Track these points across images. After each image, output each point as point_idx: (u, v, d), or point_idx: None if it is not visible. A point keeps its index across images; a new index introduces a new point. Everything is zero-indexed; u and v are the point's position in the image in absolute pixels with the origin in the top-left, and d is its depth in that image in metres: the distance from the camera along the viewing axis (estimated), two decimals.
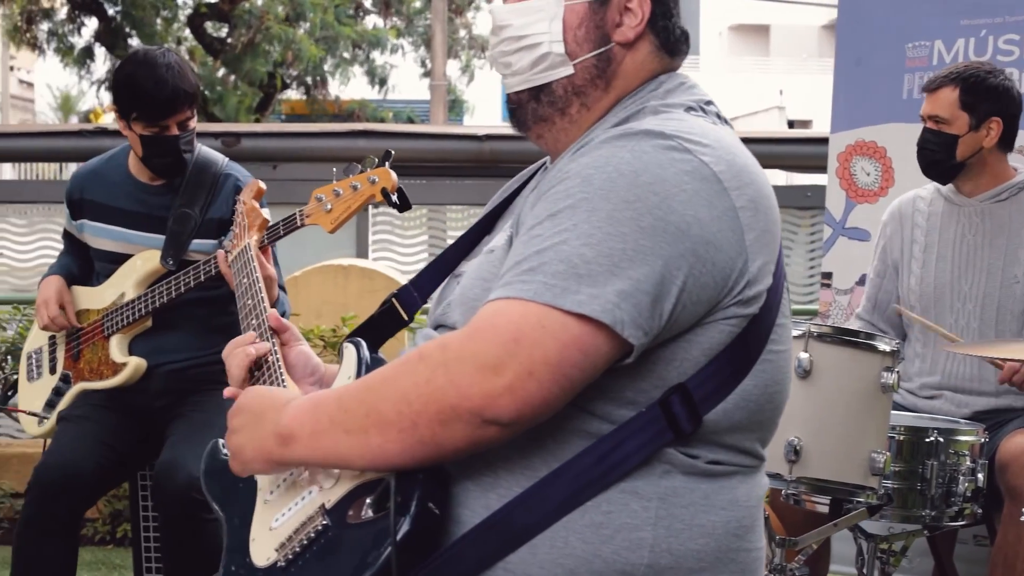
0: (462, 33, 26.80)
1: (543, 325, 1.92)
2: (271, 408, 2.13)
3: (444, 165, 8.49)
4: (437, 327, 2.32)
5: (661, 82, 2.25)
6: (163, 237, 4.19)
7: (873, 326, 4.50)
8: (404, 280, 6.46)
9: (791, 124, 39.80)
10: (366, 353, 2.30)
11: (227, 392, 2.41)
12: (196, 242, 4.17)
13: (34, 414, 4.37)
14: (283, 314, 3.95)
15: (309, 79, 25.24)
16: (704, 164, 2.03)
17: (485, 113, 30.74)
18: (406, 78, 27.25)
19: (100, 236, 4.31)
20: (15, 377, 4.76)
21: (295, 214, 3.63)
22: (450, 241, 8.67)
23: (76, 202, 4.36)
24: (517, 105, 2.29)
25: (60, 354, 4.38)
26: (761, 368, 2.12)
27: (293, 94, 27.00)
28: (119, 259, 4.27)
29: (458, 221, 8.89)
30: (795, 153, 7.49)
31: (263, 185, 3.18)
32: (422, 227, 8.80)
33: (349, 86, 26.19)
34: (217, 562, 4.00)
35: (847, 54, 5.50)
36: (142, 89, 4.07)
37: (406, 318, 2.54)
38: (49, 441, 4.32)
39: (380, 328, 2.55)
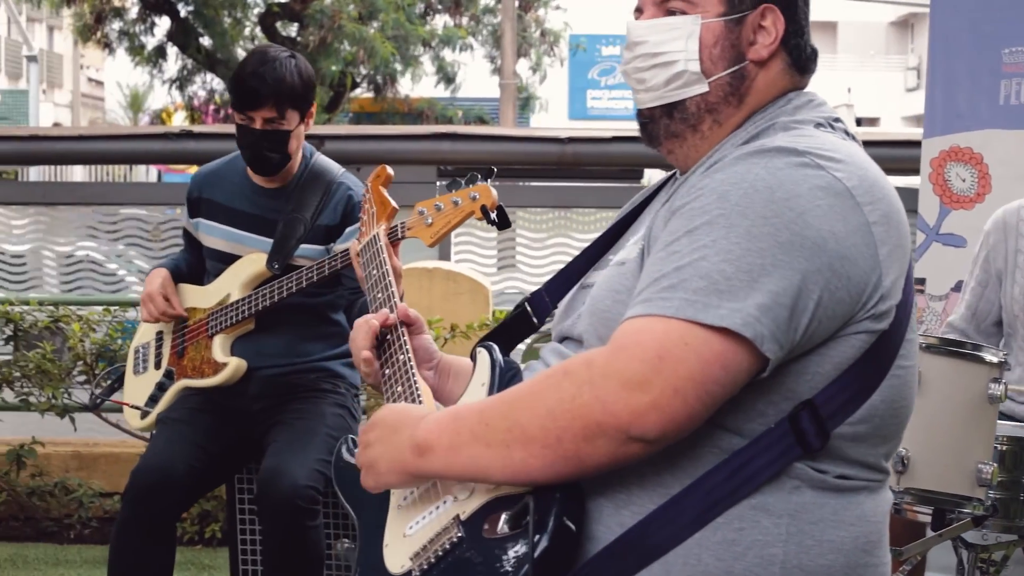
0: (533, 29, 26.76)
1: (686, 342, 1.94)
2: (407, 422, 2.15)
3: (526, 168, 8.50)
4: (563, 339, 2.34)
5: (790, 99, 2.27)
6: (271, 240, 4.24)
7: (966, 335, 4.47)
8: (487, 283, 6.52)
9: (859, 122, 39.56)
10: (499, 357, 2.32)
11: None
12: (303, 247, 4.21)
13: (136, 407, 4.43)
14: None
15: (379, 78, 25.29)
16: (837, 179, 2.04)
17: (552, 111, 30.72)
18: (476, 76, 27.28)
19: (212, 235, 4.37)
20: (111, 376, 4.81)
21: (396, 226, 3.64)
22: (520, 245, 8.69)
23: (194, 201, 4.43)
24: (649, 120, 2.30)
25: (166, 350, 4.43)
26: (889, 383, 2.12)
27: (362, 92, 27.07)
28: (228, 259, 4.32)
29: (530, 223, 8.88)
30: (878, 156, 7.43)
31: (391, 171, 3.13)
32: (493, 229, 8.78)
33: (418, 84, 26.25)
34: (319, 569, 4.05)
35: (940, 59, 5.46)
36: (238, 76, 4.17)
37: (537, 323, 2.55)
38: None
39: (512, 332, 2.57)
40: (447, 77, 25.92)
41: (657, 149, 2.32)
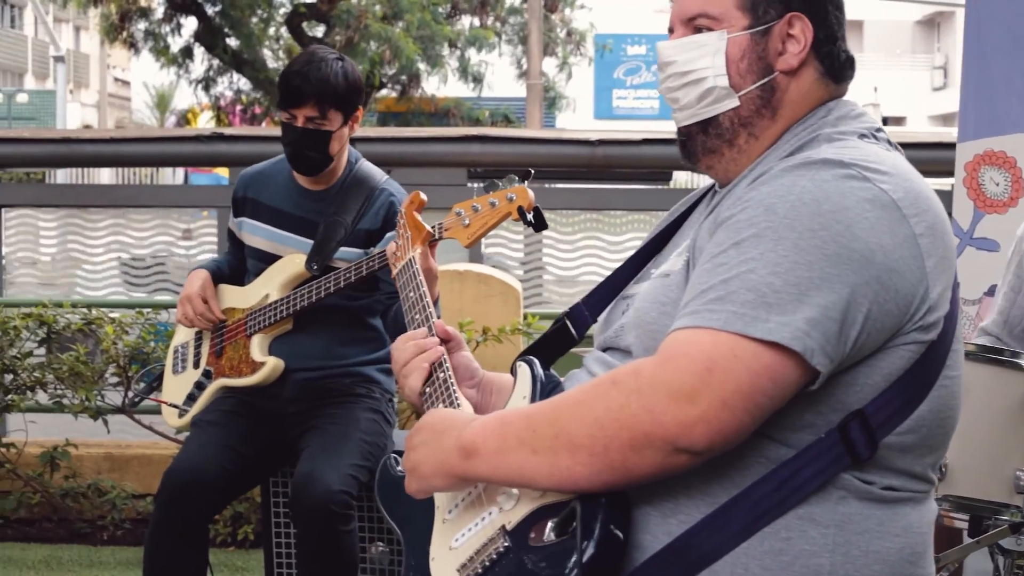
0: (559, 29, 26.76)
1: (735, 354, 1.94)
2: (454, 424, 2.17)
3: (553, 170, 8.50)
4: (606, 349, 2.35)
5: (830, 109, 2.27)
6: (312, 242, 4.27)
7: (999, 340, 4.45)
8: (518, 285, 6.52)
9: (885, 121, 39.48)
10: (540, 371, 2.32)
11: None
12: (342, 250, 4.23)
13: (175, 406, 4.46)
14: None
15: (404, 77, 25.33)
16: (883, 192, 2.05)
17: (578, 110, 30.71)
18: (502, 75, 27.30)
19: (254, 234, 4.41)
20: (148, 376, 4.86)
21: (434, 226, 3.67)
22: (547, 247, 8.69)
23: (240, 200, 4.47)
24: (687, 138, 2.32)
25: (204, 349, 4.47)
26: (936, 394, 2.13)
27: (388, 93, 27.11)
28: (268, 259, 4.35)
29: (558, 224, 8.86)
30: (908, 158, 7.41)
31: (424, 197, 3.18)
32: (522, 231, 8.80)
33: (444, 84, 26.29)
34: (354, 573, 4.07)
35: (974, 63, 5.44)
36: (284, 74, 4.22)
37: (576, 337, 2.56)
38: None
39: (552, 346, 2.58)
40: (473, 78, 25.95)
41: (696, 165, 2.34)
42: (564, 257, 8.79)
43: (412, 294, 2.76)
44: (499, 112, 27.34)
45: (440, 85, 26.26)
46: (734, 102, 2.25)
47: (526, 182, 3.45)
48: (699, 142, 2.30)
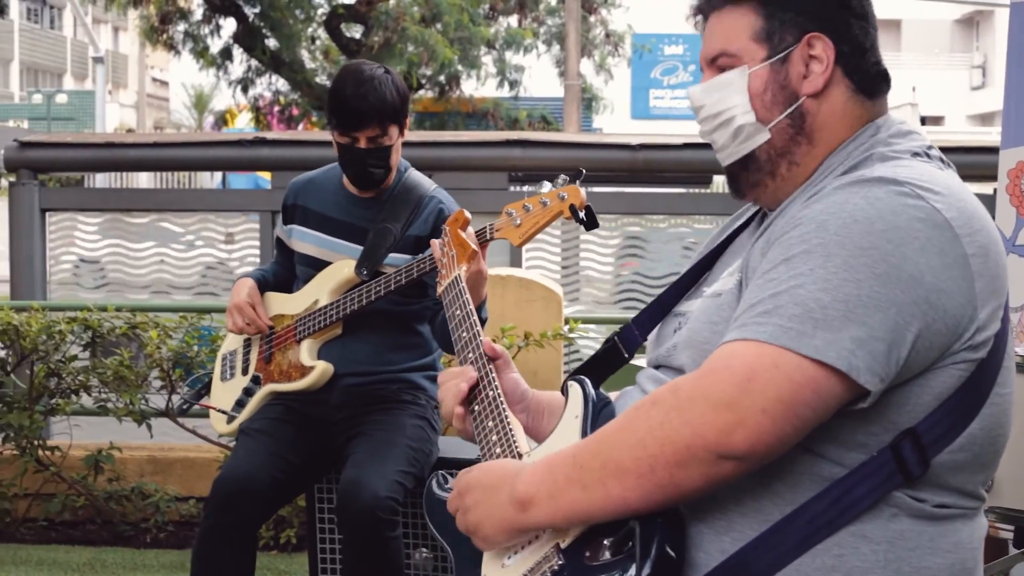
0: (598, 31, 26.75)
1: (777, 365, 1.96)
2: (503, 479, 2.18)
3: (597, 174, 8.49)
4: (658, 367, 2.36)
5: (879, 127, 2.27)
6: (362, 248, 4.30)
7: None
8: (558, 290, 6.53)
9: (923, 120, 39.31)
10: (591, 391, 2.34)
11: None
12: (392, 256, 4.28)
13: (224, 412, 4.50)
14: (483, 320, 3.98)
15: (442, 78, 25.37)
16: (936, 211, 2.05)
17: (614, 110, 30.67)
18: (541, 75, 27.31)
19: (304, 240, 4.45)
20: (198, 383, 4.90)
21: (485, 228, 3.71)
22: (583, 251, 8.69)
23: (290, 207, 4.52)
24: (732, 176, 2.34)
25: (253, 356, 4.51)
26: (987, 412, 2.13)
27: (425, 93, 27.16)
28: (317, 264, 4.40)
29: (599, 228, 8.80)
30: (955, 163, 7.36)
31: (468, 214, 3.20)
32: (561, 236, 8.81)
33: (482, 84, 26.31)
34: None
35: (1017, 70, 5.42)
36: (339, 99, 4.23)
37: (627, 356, 2.57)
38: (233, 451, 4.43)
39: (602, 366, 2.59)
40: (509, 81, 25.98)
41: (745, 200, 2.36)
42: (603, 261, 8.79)
43: (459, 312, 2.77)
44: (537, 113, 27.35)
45: (478, 86, 26.29)
46: (765, 135, 2.27)
47: (578, 182, 3.48)
48: (743, 179, 2.32)
